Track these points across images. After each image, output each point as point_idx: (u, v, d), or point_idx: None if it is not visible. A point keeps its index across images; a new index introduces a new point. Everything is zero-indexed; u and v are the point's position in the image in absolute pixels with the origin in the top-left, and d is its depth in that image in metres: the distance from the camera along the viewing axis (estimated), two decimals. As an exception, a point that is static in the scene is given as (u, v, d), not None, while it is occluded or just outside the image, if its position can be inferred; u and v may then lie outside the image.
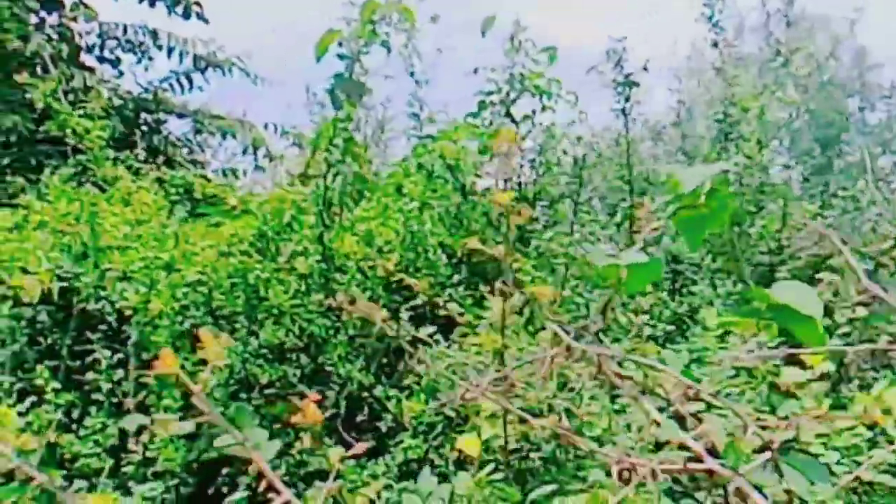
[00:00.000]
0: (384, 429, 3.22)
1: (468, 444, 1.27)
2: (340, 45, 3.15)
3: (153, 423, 2.67)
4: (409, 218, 3.79)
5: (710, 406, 1.49)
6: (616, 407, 2.49)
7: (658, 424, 1.35)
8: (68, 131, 3.48)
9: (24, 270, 3.03)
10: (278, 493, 1.30)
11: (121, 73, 6.01)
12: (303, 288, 3.19)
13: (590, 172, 4.23)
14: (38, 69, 5.07)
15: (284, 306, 3.14)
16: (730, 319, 2.50)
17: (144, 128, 5.24)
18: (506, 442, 1.69)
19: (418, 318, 3.72)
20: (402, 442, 3.22)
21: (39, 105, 3.73)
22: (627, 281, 1.40)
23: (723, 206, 1.36)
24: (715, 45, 4.43)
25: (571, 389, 2.36)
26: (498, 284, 3.47)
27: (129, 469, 3.42)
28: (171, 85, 6.04)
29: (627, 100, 3.98)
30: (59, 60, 5.07)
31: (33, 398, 3.20)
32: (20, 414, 3.12)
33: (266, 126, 6.04)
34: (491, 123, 4.17)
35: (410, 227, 3.78)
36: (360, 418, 3.42)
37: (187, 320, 2.98)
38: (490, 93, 4.13)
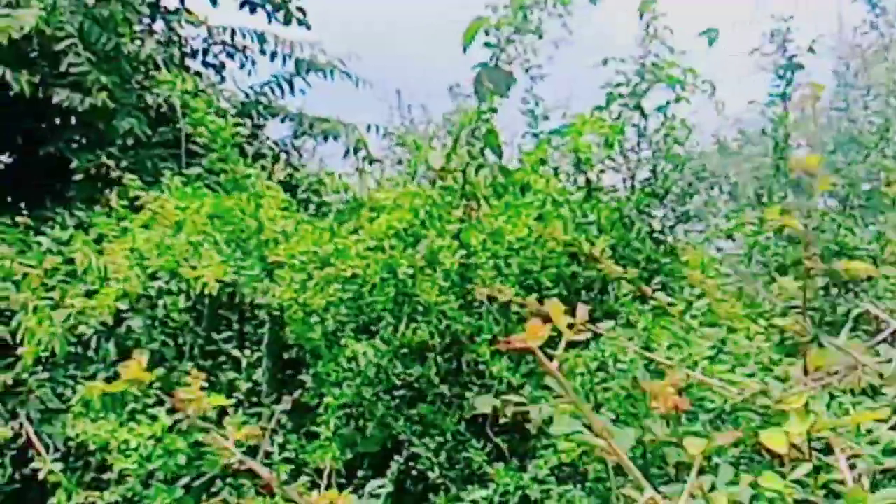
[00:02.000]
0: (533, 431, 3.10)
1: (773, 439, 1.14)
2: (487, 33, 3.06)
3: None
4: (542, 215, 3.68)
5: None
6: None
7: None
8: (201, 129, 3.44)
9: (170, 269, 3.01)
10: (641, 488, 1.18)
11: (222, 79, 6.02)
12: (447, 284, 3.09)
13: (729, 163, 4.06)
14: (151, 73, 5.12)
15: (430, 303, 3.05)
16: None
17: (247, 131, 5.23)
18: (809, 438, 1.55)
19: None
20: (552, 445, 3.10)
21: (176, 102, 3.72)
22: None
23: None
24: (874, 26, 4.21)
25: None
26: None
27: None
28: (271, 89, 6.02)
29: (789, 84, 3.79)
30: (170, 65, 5.10)
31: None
32: (169, 412, 3.09)
33: (368, 128, 5.98)
34: (619, 116, 4.03)
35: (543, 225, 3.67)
36: (502, 420, 3.30)
37: (338, 317, 2.92)
38: (619, 84, 3.98)
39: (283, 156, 6.09)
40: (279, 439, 3.44)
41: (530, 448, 3.29)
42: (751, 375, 2.19)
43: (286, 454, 3.37)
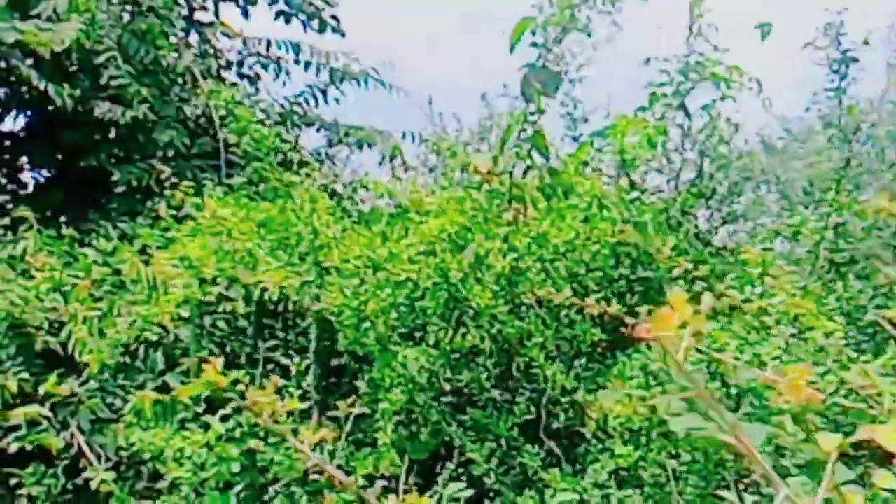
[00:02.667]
0: (588, 435, 3.06)
1: (888, 436, 1.09)
2: (534, 33, 3.03)
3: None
4: (587, 217, 3.64)
5: None
6: None
7: None
8: (245, 138, 3.44)
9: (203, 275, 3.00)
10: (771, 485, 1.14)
11: (257, 90, 6.04)
12: (497, 288, 3.06)
13: (774, 163, 4.00)
14: (189, 85, 5.15)
15: (481, 307, 3.02)
16: None
17: (291, 140, 5.24)
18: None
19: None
20: (607, 449, 3.05)
21: (215, 113, 3.73)
22: None
23: None
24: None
25: None
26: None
27: (318, 477, 3.36)
28: (305, 99, 6.03)
29: (843, 78, 3.73)
30: (207, 77, 5.12)
31: (234, 404, 3.15)
32: (222, 419, 3.09)
33: (403, 135, 5.97)
34: (662, 117, 3.99)
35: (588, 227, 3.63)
36: (555, 425, 3.26)
37: (390, 322, 2.90)
38: (662, 84, 3.94)
39: (317, 165, 6.10)
40: (328, 447, 3.43)
41: (584, 453, 3.25)
42: (825, 374, 2.13)
43: (336, 461, 3.36)
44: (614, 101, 4.86)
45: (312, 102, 6.12)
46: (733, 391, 2.79)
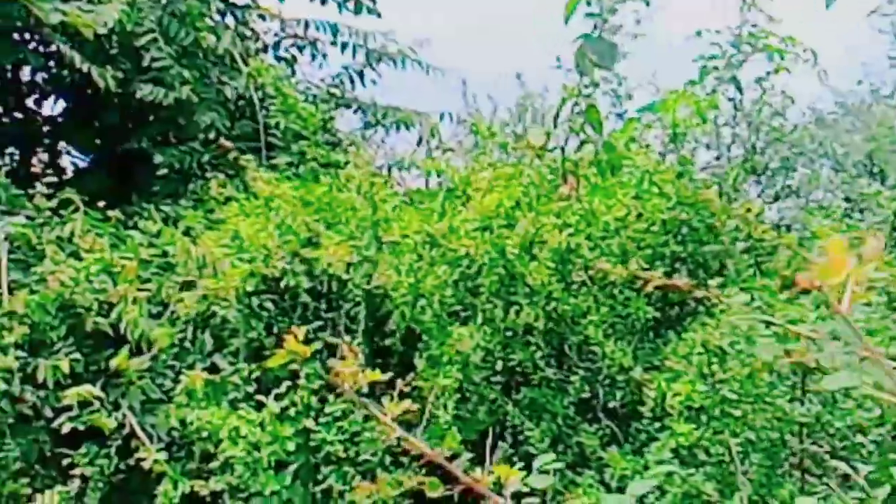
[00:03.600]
0: (649, 414, 3.00)
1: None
2: (589, 3, 2.96)
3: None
4: (639, 193, 3.58)
5: None
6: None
7: None
8: (291, 117, 3.41)
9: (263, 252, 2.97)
10: None
11: (293, 72, 6.01)
12: (553, 265, 3.01)
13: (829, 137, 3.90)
14: (228, 67, 5.13)
15: (536, 284, 2.97)
16: None
17: (335, 119, 5.21)
18: None
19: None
20: (666, 428, 3.00)
21: (269, 89, 3.70)
22: None
23: None
24: None
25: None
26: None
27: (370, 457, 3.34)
28: (341, 80, 5.99)
29: None
30: (246, 59, 5.10)
31: (288, 383, 3.14)
32: (277, 398, 3.07)
33: (441, 116, 5.91)
34: (713, 91, 3.90)
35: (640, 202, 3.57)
36: (611, 403, 3.22)
37: (446, 300, 2.86)
38: (712, 57, 3.86)
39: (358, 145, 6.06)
40: (378, 427, 3.40)
41: (639, 432, 3.20)
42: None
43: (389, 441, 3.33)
44: (659, 77, 4.76)
45: (348, 84, 6.09)
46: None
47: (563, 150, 3.25)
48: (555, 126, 3.18)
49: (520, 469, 2.96)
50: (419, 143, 5.98)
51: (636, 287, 3.24)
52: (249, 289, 2.97)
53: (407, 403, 1.49)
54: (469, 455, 1.66)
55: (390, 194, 3.20)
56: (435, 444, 2.77)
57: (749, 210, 3.68)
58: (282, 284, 3.33)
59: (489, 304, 2.99)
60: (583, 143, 3.15)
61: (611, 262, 3.35)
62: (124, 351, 3.25)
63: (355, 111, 5.97)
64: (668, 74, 4.01)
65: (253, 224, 3.04)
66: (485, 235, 2.85)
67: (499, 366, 3.10)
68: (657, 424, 3.04)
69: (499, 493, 1.41)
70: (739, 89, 3.87)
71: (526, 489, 1.64)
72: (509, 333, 3.12)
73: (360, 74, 6.04)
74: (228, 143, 4.04)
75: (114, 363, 3.25)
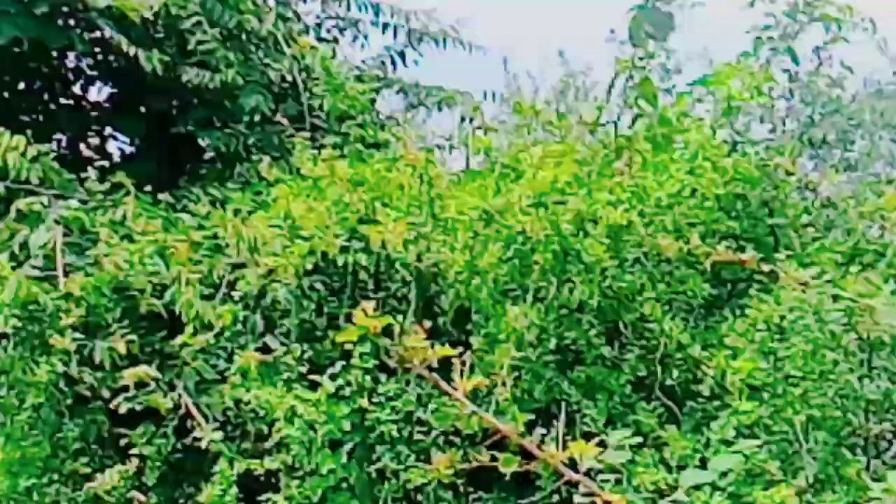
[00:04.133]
0: (707, 392, 2.96)
1: None
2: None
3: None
4: (692, 169, 3.51)
5: None
6: None
7: None
8: (339, 96, 3.40)
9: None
10: None
11: (334, 54, 5.98)
12: (608, 241, 2.97)
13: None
14: (271, 49, 5.13)
15: (591, 261, 2.93)
16: None
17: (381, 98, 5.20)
18: None
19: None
20: (726, 406, 2.95)
21: (318, 69, 3.69)
22: None
23: None
24: None
25: None
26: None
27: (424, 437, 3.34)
28: (382, 62, 5.96)
29: None
30: (289, 40, 5.09)
31: (342, 363, 3.14)
32: (331, 378, 3.08)
33: (484, 95, 5.86)
34: (768, 62, 3.81)
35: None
36: (668, 382, 3.17)
37: (501, 277, 2.84)
38: (767, 28, 3.76)
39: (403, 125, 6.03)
40: (431, 405, 3.39)
41: (695, 411, 3.16)
42: None
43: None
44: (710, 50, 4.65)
45: (389, 65, 6.07)
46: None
47: (615, 124, 3.20)
48: (608, 100, 3.13)
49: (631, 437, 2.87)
50: (461, 122, 5.94)
51: (693, 263, 3.19)
52: (308, 267, 2.97)
53: (478, 379, 1.46)
54: (541, 431, 1.64)
55: (444, 172, 3.18)
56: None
57: (808, 184, 3.60)
58: (337, 263, 3.31)
59: (543, 282, 2.95)
60: (637, 116, 3.10)
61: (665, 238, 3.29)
62: (189, 329, 3.28)
63: (397, 92, 5.94)
64: (718, 47, 3.91)
65: (304, 204, 3.04)
66: (539, 212, 2.82)
67: (552, 344, 3.07)
68: (716, 403, 3.00)
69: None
70: (795, 60, 3.77)
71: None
72: (563, 311, 3.09)
73: (402, 55, 6.01)
74: (284, 120, 4.05)
75: (179, 340, 3.29)
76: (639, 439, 2.53)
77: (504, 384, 2.63)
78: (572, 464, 1.74)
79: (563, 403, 3.09)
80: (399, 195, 3.03)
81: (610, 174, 3.11)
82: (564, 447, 1.81)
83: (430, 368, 1.33)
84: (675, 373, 3.11)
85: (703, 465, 2.74)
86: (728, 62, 3.77)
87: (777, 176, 3.69)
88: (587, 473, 1.55)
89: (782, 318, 2.80)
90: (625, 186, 3.31)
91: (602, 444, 2.92)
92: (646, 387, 3.15)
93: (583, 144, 3.15)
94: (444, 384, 1.37)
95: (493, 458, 1.46)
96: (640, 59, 3.03)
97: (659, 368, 3.03)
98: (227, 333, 3.56)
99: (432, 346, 1.40)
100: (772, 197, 3.67)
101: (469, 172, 3.30)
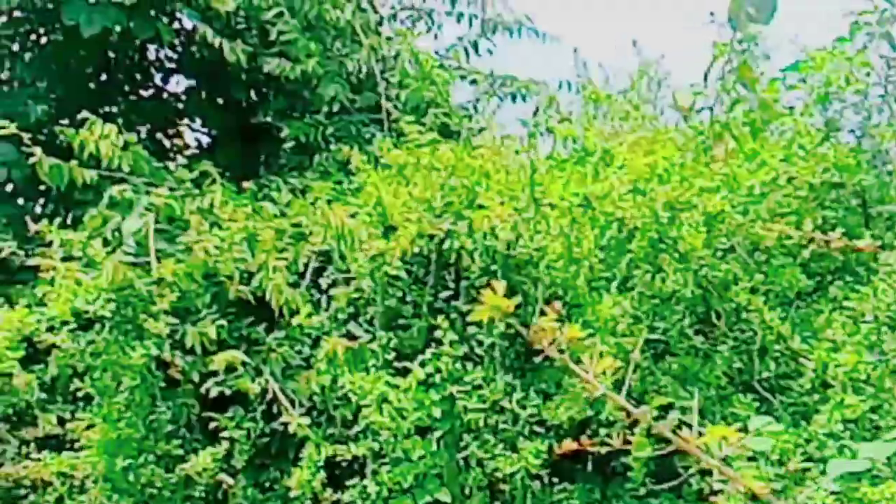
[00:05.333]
0: (808, 385, 2.88)
1: None
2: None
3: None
4: (787, 156, 3.41)
5: None
6: None
7: None
8: (427, 83, 3.39)
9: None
10: None
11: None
12: (704, 229, 2.91)
13: None
14: (349, 40, 5.15)
15: (687, 250, 2.87)
16: None
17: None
18: None
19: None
20: (826, 399, 2.87)
21: (406, 57, 3.69)
22: None
23: None
24: None
25: None
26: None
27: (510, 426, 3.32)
28: (455, 51, 5.94)
29: None
30: (367, 31, 5.10)
31: (433, 350, 3.15)
32: (421, 365, 3.08)
33: (560, 85, 5.80)
34: (864, 48, 3.68)
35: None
36: (764, 374, 3.10)
37: (597, 264, 2.80)
38: (864, 12, 3.63)
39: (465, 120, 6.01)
40: (517, 395, 3.37)
41: (795, 404, 3.08)
42: None
43: (529, 410, 3.31)
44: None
45: (463, 55, 6.04)
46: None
47: (711, 110, 3.13)
48: (705, 85, 3.06)
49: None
50: (535, 112, 5.89)
51: (790, 253, 3.10)
52: (416, 250, 2.97)
53: (609, 361, 1.44)
54: (677, 415, 1.62)
55: (542, 158, 3.15)
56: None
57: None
58: (444, 246, 3.29)
59: (637, 270, 2.90)
60: (735, 102, 3.03)
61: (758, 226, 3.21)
62: (305, 309, 3.33)
63: (471, 82, 5.92)
64: (809, 33, 3.80)
65: (395, 191, 3.04)
66: (636, 199, 2.77)
67: (645, 333, 3.02)
68: (815, 397, 2.91)
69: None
70: (893, 46, 3.64)
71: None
72: (655, 301, 3.03)
73: (475, 45, 5.99)
74: (389, 104, 4.07)
75: (296, 321, 3.38)
76: (779, 427, 2.46)
77: (605, 373, 2.59)
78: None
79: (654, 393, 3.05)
80: (499, 180, 3.00)
81: (705, 161, 3.04)
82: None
83: (561, 350, 1.31)
84: (772, 365, 3.03)
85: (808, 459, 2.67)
86: (821, 48, 3.66)
87: (871, 164, 3.58)
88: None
89: (889, 307, 2.71)
90: (717, 173, 3.24)
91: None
92: (741, 378, 3.08)
93: (677, 130, 3.08)
94: (575, 366, 1.35)
95: (626, 442, 1.44)
96: (739, 42, 2.95)
97: (756, 360, 2.96)
98: (313, 320, 3.59)
99: (561, 328, 1.38)
100: (867, 186, 3.56)
101: (561, 159, 3.26)
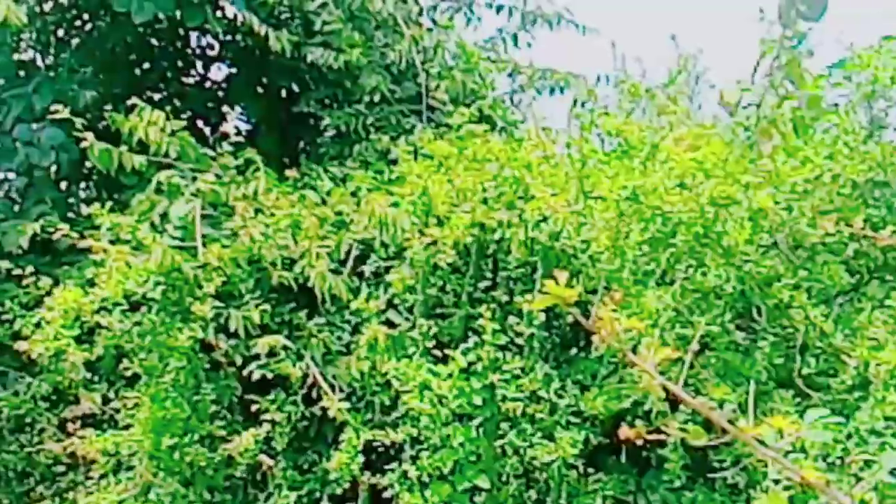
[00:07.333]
0: (849, 382, 2.88)
1: None
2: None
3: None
4: (832, 154, 3.40)
5: None
6: None
7: None
8: (474, 75, 3.42)
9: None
10: None
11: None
12: (750, 225, 2.91)
13: None
14: (391, 31, 5.19)
15: (731, 245, 2.88)
16: None
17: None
18: None
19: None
20: (867, 396, 2.87)
21: (450, 47, 3.71)
22: None
23: None
24: None
25: None
26: None
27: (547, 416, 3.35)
28: (494, 44, 5.95)
29: None
30: (408, 22, 5.13)
31: (475, 339, 3.19)
32: (464, 353, 3.12)
33: (598, 78, 5.80)
34: (913, 45, 3.65)
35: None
36: (805, 370, 3.10)
37: (639, 259, 2.82)
38: (913, 10, 3.60)
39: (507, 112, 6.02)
40: (555, 385, 3.41)
41: (834, 401, 3.07)
42: None
43: (567, 400, 3.34)
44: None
45: (501, 47, 6.05)
46: None
47: (759, 106, 3.13)
48: (752, 81, 3.06)
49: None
50: (574, 105, 5.88)
51: (833, 250, 3.10)
52: (469, 239, 3.01)
53: (667, 351, 1.46)
54: (731, 406, 1.63)
55: (591, 151, 3.17)
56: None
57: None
58: (494, 236, 3.32)
59: (681, 264, 2.92)
60: (783, 98, 3.02)
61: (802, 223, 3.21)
62: (364, 293, 3.39)
63: (510, 74, 5.93)
64: (853, 33, 3.76)
65: (439, 181, 3.08)
66: (683, 194, 2.79)
67: (686, 328, 3.04)
68: (856, 394, 2.92)
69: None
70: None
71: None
72: (697, 295, 3.05)
73: (514, 37, 5.99)
74: (442, 94, 4.11)
75: (355, 305, 3.43)
76: (839, 419, 2.48)
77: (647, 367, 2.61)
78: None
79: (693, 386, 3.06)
80: (547, 173, 3.02)
81: (750, 158, 3.05)
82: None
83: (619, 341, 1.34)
84: (813, 362, 3.04)
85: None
86: (868, 46, 3.63)
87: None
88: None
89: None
90: (761, 170, 3.24)
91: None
92: (781, 374, 3.09)
93: (721, 125, 3.09)
94: (632, 355, 1.38)
95: (684, 430, 1.45)
96: (788, 38, 2.94)
97: (797, 357, 2.96)
98: (352, 307, 3.64)
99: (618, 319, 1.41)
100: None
101: (605, 154, 3.28)
